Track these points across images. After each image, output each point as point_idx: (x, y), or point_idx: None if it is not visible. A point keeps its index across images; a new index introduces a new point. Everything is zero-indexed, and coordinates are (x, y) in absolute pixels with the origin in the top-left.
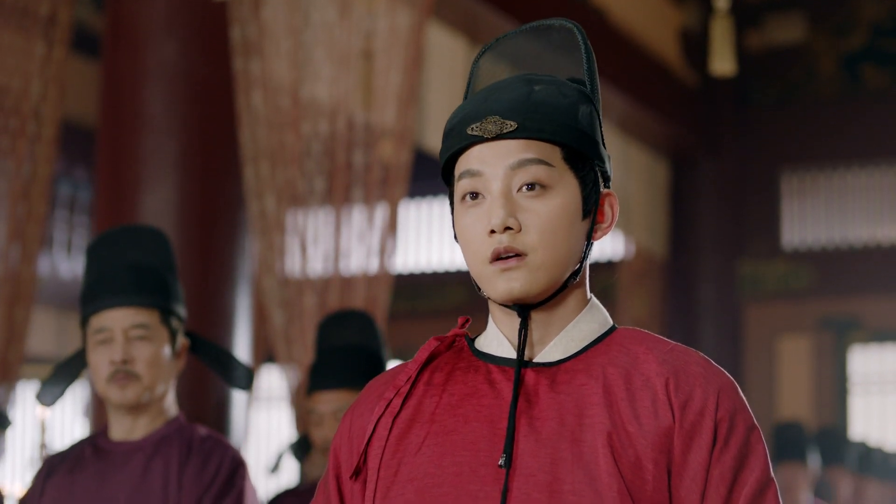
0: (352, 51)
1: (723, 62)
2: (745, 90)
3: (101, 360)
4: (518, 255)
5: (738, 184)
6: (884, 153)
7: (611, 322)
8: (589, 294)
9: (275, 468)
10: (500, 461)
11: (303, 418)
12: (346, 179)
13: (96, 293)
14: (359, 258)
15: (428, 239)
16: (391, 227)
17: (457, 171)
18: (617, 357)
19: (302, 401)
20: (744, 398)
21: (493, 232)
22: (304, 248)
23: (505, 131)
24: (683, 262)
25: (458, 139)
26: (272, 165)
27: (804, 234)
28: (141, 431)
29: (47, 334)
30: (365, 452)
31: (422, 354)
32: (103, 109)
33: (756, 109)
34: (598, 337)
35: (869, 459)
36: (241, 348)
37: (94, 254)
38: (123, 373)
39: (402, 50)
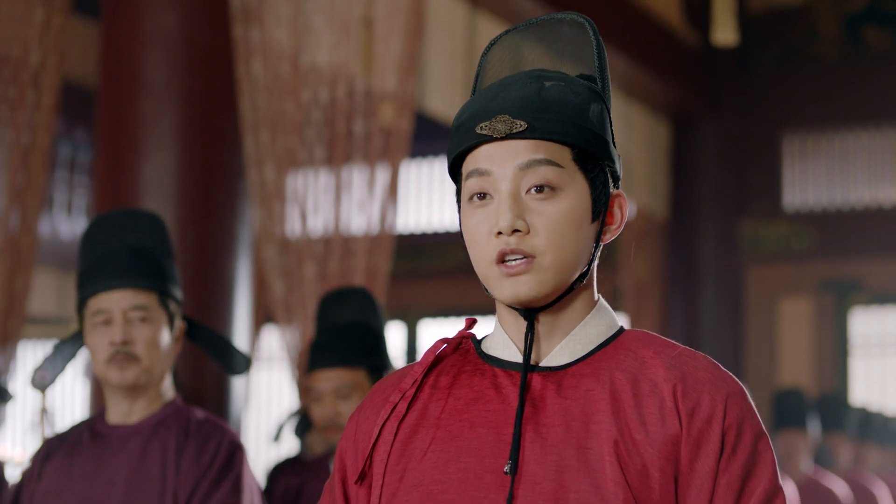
0: (352, 18)
1: (725, 32)
2: (746, 51)
3: (100, 342)
4: (525, 256)
5: (740, 145)
6: (885, 115)
7: (618, 324)
8: (596, 295)
9: (276, 437)
10: (506, 468)
11: (303, 395)
12: (347, 147)
13: (94, 275)
14: (359, 227)
15: (429, 199)
16: (392, 195)
17: (464, 170)
18: (624, 361)
19: (302, 378)
20: (752, 404)
21: (500, 233)
22: (303, 216)
23: (514, 131)
24: (684, 223)
25: (467, 137)
26: (272, 133)
27: (805, 196)
28: (138, 415)
29: (48, 295)
30: (370, 457)
31: (428, 356)
32: (103, 76)
33: (757, 71)
34: (606, 340)
35: (869, 425)
36: (242, 315)
37: (90, 237)
38: (123, 354)
39: (402, 17)
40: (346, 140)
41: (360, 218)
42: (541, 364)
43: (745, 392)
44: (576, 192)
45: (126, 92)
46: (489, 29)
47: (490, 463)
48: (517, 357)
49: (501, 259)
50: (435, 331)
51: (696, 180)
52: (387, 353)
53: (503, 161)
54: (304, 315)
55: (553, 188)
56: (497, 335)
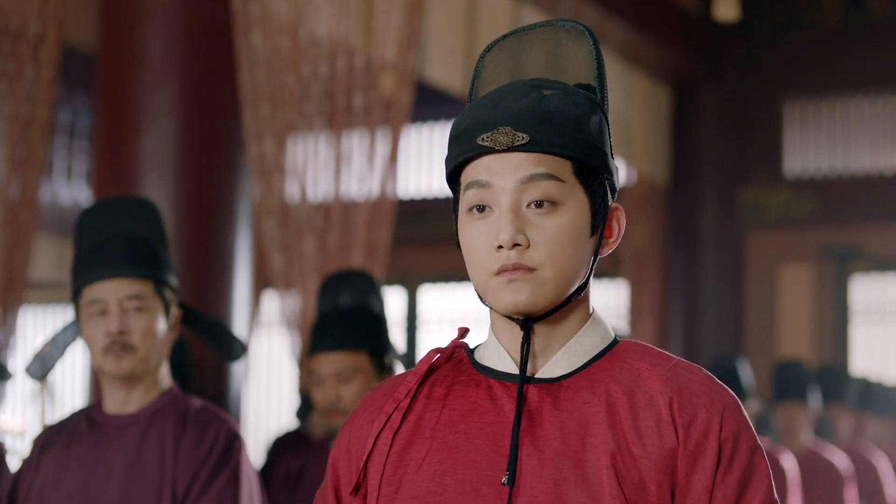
0: None
1: (727, 7)
2: (747, 18)
3: (96, 332)
4: (525, 269)
5: (741, 111)
6: (887, 81)
7: (612, 335)
8: (591, 307)
9: (299, 413)
10: (504, 479)
11: (304, 378)
12: (346, 122)
13: (89, 264)
14: (359, 201)
15: (429, 165)
16: (392, 168)
17: (464, 180)
18: (620, 374)
19: (304, 361)
20: (747, 417)
21: (500, 247)
22: (303, 190)
23: (516, 143)
24: (685, 189)
25: (468, 148)
26: (272, 107)
27: (806, 163)
28: (135, 404)
29: (47, 260)
30: (365, 468)
31: (421, 367)
32: (102, 49)
33: (759, 37)
34: (601, 351)
35: (869, 395)
36: (242, 287)
37: (84, 225)
38: (119, 344)
39: None
40: (346, 114)
41: (359, 192)
42: (536, 375)
43: (739, 405)
44: (576, 206)
45: (125, 65)
46: None
47: (487, 475)
48: (512, 368)
49: (502, 272)
50: (435, 296)
51: (697, 147)
52: (388, 336)
53: (504, 174)
54: (303, 286)
55: (553, 202)
56: (491, 346)
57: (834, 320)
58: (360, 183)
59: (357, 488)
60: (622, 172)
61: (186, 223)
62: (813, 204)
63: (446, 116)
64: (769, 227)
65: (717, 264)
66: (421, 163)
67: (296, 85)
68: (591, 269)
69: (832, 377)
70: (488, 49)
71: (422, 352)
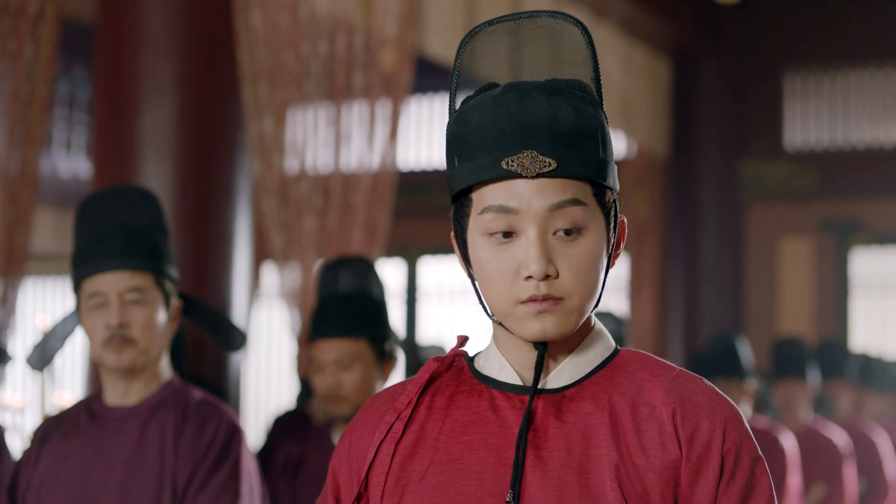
0: None
1: None
2: None
3: (96, 325)
4: (554, 299)
5: (741, 84)
6: (888, 54)
7: (613, 344)
8: (593, 319)
9: (299, 399)
10: (508, 497)
11: (303, 365)
12: (346, 99)
13: (89, 256)
14: (359, 179)
15: (429, 137)
16: (391, 146)
17: (479, 199)
18: (622, 384)
19: (303, 348)
20: (749, 428)
21: (529, 276)
22: (303, 168)
23: (544, 170)
24: (685, 161)
25: (491, 171)
26: (271, 85)
27: (806, 135)
28: (135, 396)
29: (47, 232)
30: (366, 478)
31: (422, 376)
32: (102, 26)
33: (759, 9)
34: (603, 362)
35: (869, 371)
36: (241, 266)
37: (84, 216)
38: (119, 337)
39: None
40: (345, 92)
41: (359, 169)
42: (539, 386)
43: (741, 416)
44: (597, 229)
45: (125, 42)
46: None
47: (492, 487)
48: (514, 378)
49: (530, 302)
50: (435, 268)
51: (697, 119)
52: (388, 322)
53: (531, 200)
54: (302, 261)
55: (580, 229)
56: (493, 356)
57: (834, 293)
58: (359, 160)
59: (358, 499)
60: (622, 145)
61: (186, 200)
62: (813, 176)
63: (446, 88)
64: (769, 200)
65: (717, 237)
66: (420, 135)
67: (295, 63)
68: (605, 285)
69: (832, 353)
70: (476, 31)
71: (422, 325)
